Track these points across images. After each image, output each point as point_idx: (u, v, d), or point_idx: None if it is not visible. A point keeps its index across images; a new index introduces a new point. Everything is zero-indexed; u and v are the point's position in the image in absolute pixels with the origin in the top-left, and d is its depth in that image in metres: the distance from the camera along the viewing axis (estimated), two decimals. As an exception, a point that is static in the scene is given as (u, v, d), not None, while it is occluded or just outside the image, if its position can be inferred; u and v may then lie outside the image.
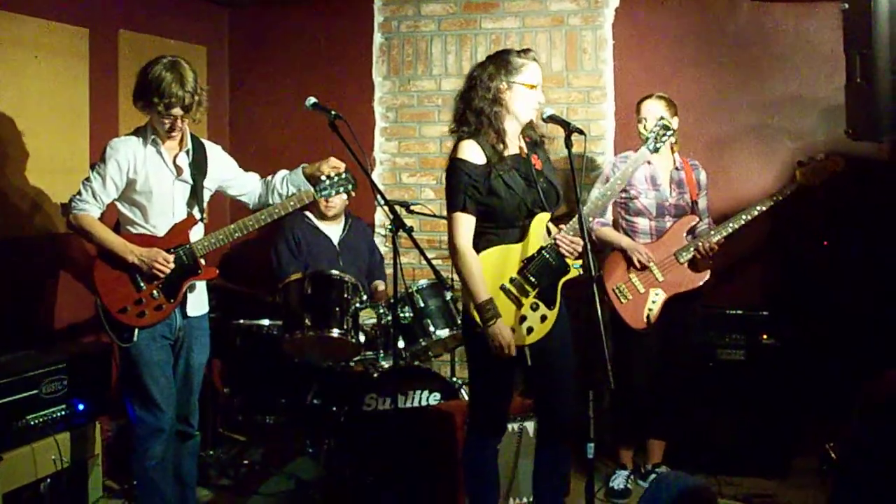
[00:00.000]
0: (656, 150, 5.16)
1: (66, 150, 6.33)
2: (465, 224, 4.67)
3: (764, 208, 6.02)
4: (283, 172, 5.51)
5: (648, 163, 6.03)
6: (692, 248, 6.01)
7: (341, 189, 5.40)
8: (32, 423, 5.38)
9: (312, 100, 5.04)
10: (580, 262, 4.77)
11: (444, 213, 7.18)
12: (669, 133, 5.18)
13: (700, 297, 6.16)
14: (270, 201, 5.48)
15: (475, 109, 4.74)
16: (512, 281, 4.71)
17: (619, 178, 5.22)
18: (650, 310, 6.01)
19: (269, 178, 5.55)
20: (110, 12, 6.78)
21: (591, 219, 5.79)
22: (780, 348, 6.46)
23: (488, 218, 4.72)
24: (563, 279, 4.79)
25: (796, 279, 6.91)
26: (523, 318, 4.70)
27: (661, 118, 5.32)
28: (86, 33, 6.51)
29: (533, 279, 4.71)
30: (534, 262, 4.72)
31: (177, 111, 4.98)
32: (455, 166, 4.71)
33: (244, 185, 5.59)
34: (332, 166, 5.37)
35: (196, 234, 5.27)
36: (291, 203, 5.32)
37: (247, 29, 8.14)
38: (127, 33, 6.91)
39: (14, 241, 5.98)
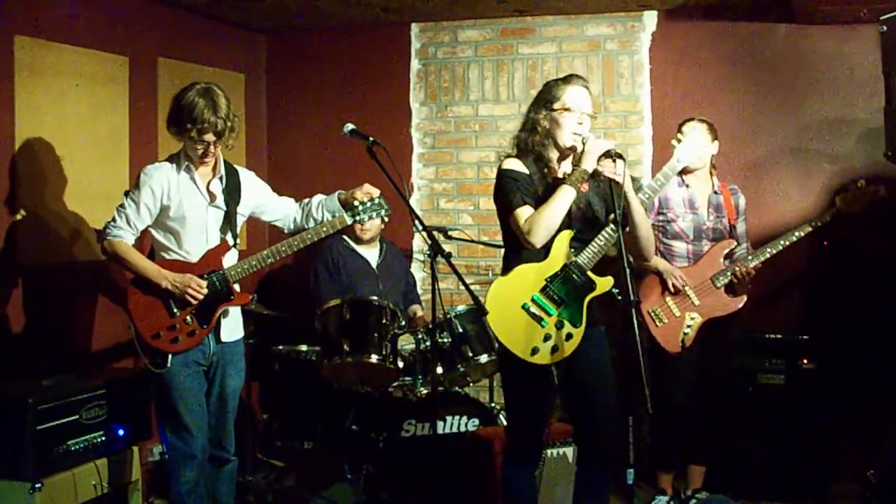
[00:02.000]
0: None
1: (106, 177, 6.38)
2: (526, 213, 4.64)
3: (802, 234, 5.99)
4: (319, 197, 5.51)
5: (687, 186, 6.03)
6: (729, 273, 5.99)
7: (374, 214, 5.37)
8: (73, 448, 5.39)
9: (350, 126, 5.04)
10: (611, 277, 4.74)
11: (482, 238, 7.27)
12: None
13: (737, 321, 6.13)
14: (306, 225, 5.47)
15: (516, 138, 4.88)
16: (534, 299, 4.68)
17: (660, 178, 5.10)
18: (685, 333, 5.97)
19: (306, 201, 5.54)
20: (150, 41, 6.84)
21: None
22: (820, 373, 6.42)
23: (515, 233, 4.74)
24: (590, 296, 4.73)
25: (836, 303, 6.85)
26: (547, 337, 4.65)
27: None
28: (125, 61, 6.58)
29: (556, 296, 4.68)
30: (557, 279, 4.68)
31: (209, 137, 5.00)
32: (501, 175, 4.76)
33: (278, 210, 5.59)
34: (366, 192, 5.37)
35: (230, 259, 5.28)
36: (324, 229, 5.31)
37: (284, 56, 8.19)
38: (166, 61, 6.97)
39: (55, 267, 6.03)
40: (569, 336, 4.67)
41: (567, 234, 4.70)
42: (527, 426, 4.89)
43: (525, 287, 4.68)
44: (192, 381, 5.17)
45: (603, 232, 4.69)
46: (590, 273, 4.70)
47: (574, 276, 4.68)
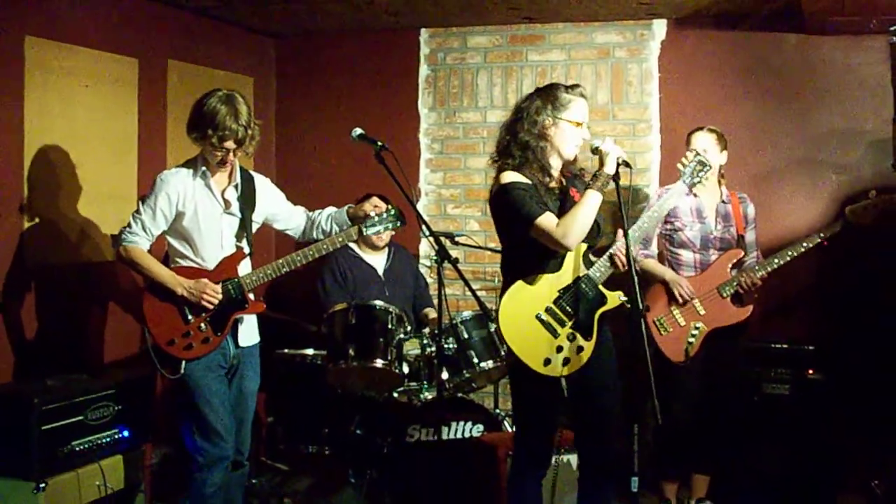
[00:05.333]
0: (693, 184, 5.06)
1: (115, 179, 6.40)
2: (552, 220, 4.56)
3: (811, 245, 5.96)
4: (329, 209, 5.53)
5: (695, 195, 6.01)
6: (735, 283, 5.97)
7: (389, 226, 5.39)
8: (78, 448, 5.40)
9: (359, 131, 5.06)
10: (621, 292, 4.75)
11: (489, 244, 7.26)
12: (706, 169, 5.03)
13: (744, 331, 6.11)
14: (314, 237, 5.51)
15: (521, 143, 4.73)
16: (548, 310, 4.68)
17: (655, 211, 5.08)
18: (690, 343, 5.95)
19: (315, 213, 5.58)
20: (160, 43, 6.86)
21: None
22: (825, 383, 6.40)
23: (526, 245, 4.70)
24: (601, 310, 4.75)
25: (842, 313, 6.84)
26: (560, 349, 4.66)
27: (697, 154, 5.08)
28: (135, 63, 6.60)
29: (568, 309, 4.68)
30: (570, 291, 4.69)
31: (230, 144, 5.03)
32: (508, 188, 4.64)
33: (291, 219, 5.62)
34: (374, 205, 5.39)
35: (244, 267, 5.31)
36: (340, 239, 5.34)
37: (294, 60, 8.21)
38: (176, 63, 6.99)
39: (64, 268, 6.05)
40: (580, 349, 4.68)
41: (581, 248, 4.71)
42: (535, 434, 4.89)
43: (538, 298, 4.68)
44: (217, 384, 5.20)
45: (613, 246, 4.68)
46: (601, 287, 4.71)
47: (586, 289, 4.68)
